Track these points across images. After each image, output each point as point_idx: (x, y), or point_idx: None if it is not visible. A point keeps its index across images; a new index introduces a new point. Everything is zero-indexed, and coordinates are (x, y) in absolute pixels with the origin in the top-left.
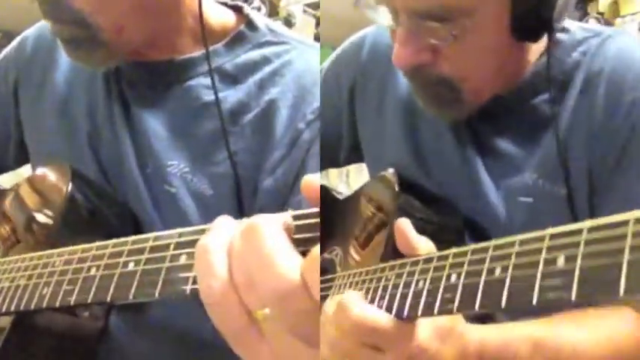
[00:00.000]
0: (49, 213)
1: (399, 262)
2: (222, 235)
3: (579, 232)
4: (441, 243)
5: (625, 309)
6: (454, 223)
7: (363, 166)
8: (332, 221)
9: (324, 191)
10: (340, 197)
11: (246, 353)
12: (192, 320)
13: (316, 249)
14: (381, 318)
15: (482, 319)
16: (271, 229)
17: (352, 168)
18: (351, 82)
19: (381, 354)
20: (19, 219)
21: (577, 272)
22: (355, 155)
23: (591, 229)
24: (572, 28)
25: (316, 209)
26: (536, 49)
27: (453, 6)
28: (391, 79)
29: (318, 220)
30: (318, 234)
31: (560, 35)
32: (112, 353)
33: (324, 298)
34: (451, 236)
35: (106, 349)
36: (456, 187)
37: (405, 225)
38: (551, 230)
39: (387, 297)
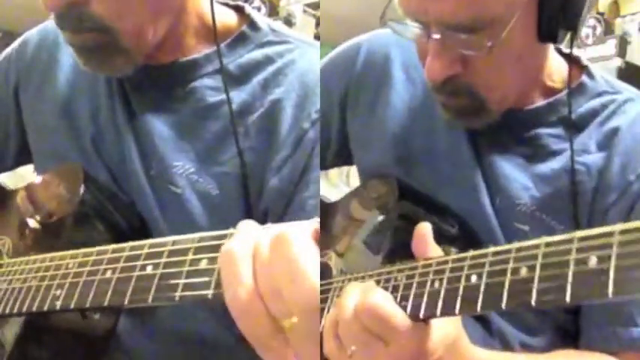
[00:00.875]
0: (38, 218)
1: (408, 264)
2: (247, 241)
3: (610, 234)
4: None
5: None
6: (451, 229)
7: None
8: (322, 225)
9: None
10: (328, 201)
11: (268, 356)
12: (199, 322)
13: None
14: (397, 311)
15: None
16: (301, 239)
17: (353, 168)
18: (343, 90)
19: (384, 346)
20: (14, 224)
21: (612, 271)
22: (341, 159)
23: (623, 232)
24: (596, 75)
25: (317, 219)
26: (559, 69)
27: (487, 17)
28: (384, 90)
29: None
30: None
31: (584, 79)
32: (120, 354)
33: (323, 300)
34: (447, 241)
35: (114, 350)
36: (454, 195)
37: (426, 229)
38: (579, 233)
39: (398, 298)
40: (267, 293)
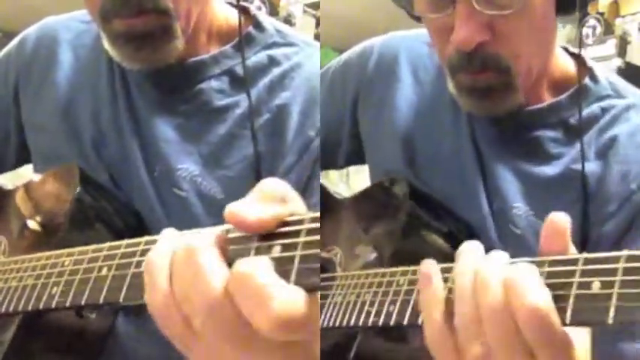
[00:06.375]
0: (39, 219)
1: (411, 268)
2: (164, 249)
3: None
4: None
5: None
6: (453, 231)
7: (364, 166)
8: (332, 221)
9: (324, 192)
10: (340, 197)
11: (185, 352)
12: None
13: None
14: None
15: None
16: (204, 247)
17: (352, 168)
18: (355, 91)
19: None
20: (14, 225)
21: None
22: (355, 159)
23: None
24: (601, 79)
25: (317, 214)
26: (564, 66)
27: None
28: (392, 93)
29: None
30: (317, 237)
31: (587, 81)
32: (118, 355)
33: (324, 297)
34: (449, 243)
35: (111, 351)
36: (456, 197)
37: (564, 221)
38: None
39: (398, 302)
40: (178, 296)
